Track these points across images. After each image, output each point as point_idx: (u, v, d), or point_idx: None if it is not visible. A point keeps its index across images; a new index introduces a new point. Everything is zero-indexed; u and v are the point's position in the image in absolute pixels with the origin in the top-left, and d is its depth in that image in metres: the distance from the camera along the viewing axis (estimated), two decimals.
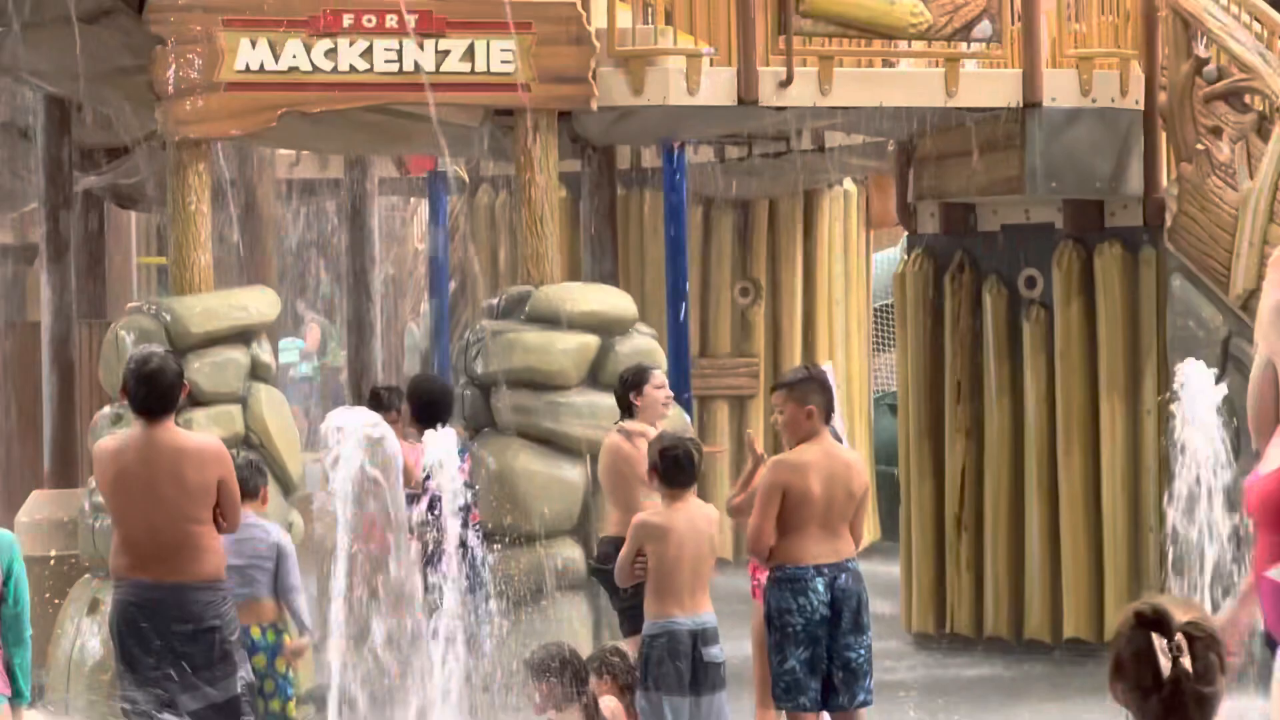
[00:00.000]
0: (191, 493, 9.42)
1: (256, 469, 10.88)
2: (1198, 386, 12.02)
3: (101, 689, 11.88)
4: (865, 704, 10.29)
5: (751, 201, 19.00)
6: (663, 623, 9.86)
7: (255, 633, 10.08)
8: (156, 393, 9.58)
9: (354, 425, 9.71)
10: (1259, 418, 8.14)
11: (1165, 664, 4.93)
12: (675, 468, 9.91)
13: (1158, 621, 5.00)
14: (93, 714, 12.18)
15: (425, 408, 10.48)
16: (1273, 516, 6.72)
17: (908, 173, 16.17)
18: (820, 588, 10.10)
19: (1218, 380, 12.17)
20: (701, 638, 9.84)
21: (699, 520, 9.90)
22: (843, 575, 10.13)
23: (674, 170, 16.82)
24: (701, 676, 9.83)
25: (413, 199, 20.94)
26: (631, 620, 10.44)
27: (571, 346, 13.31)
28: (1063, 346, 15.30)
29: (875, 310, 19.82)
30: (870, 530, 17.98)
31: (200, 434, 10.32)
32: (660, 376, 11.55)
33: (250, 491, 10.40)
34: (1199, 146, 14.66)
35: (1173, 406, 12.16)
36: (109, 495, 9.81)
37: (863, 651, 10.23)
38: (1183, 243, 14.73)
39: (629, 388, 11.46)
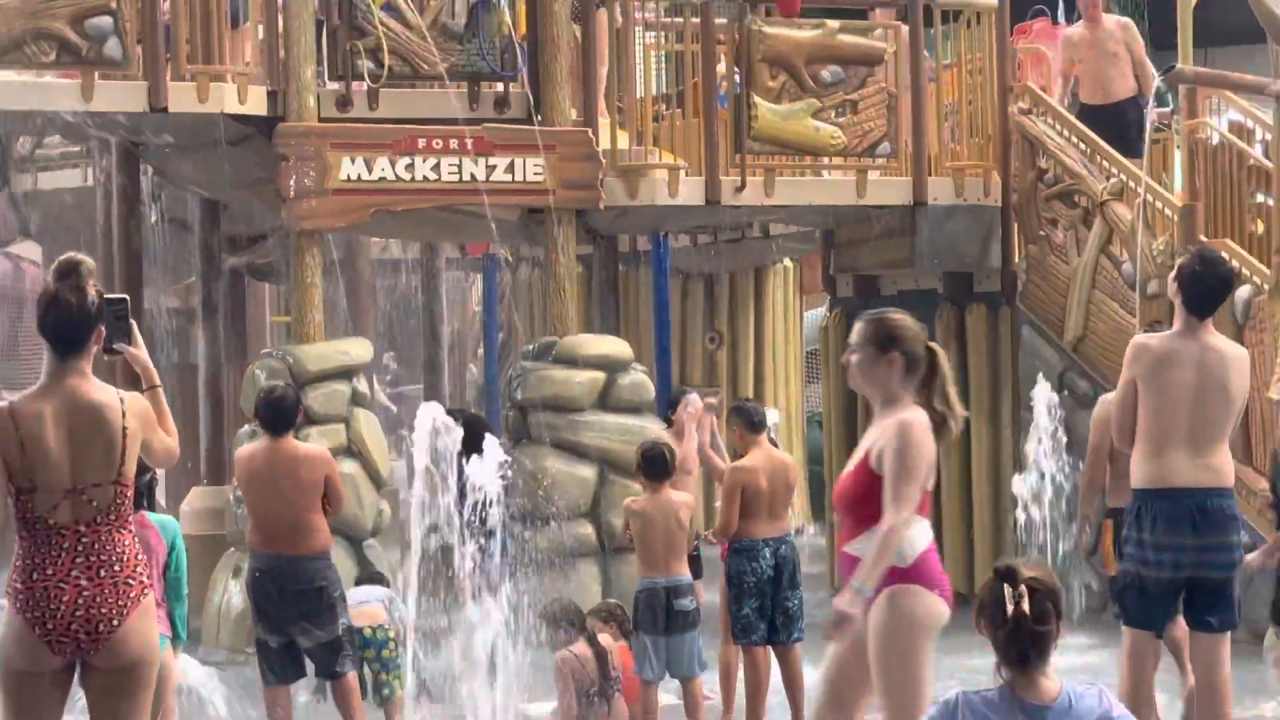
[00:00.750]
0: (304, 488, 9.44)
1: (382, 577, 11.18)
2: (1042, 404, 11.99)
3: (241, 631, 11.86)
4: (799, 640, 10.31)
5: (716, 275, 18.99)
6: (645, 582, 9.91)
7: (367, 633, 9.99)
8: (279, 415, 9.61)
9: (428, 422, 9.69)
10: (1119, 425, 8.20)
11: (1010, 607, 5.05)
12: (652, 466, 9.92)
13: (1008, 575, 5.10)
14: (235, 649, 12.14)
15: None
16: (848, 506, 6.77)
17: (830, 253, 16.09)
18: (767, 555, 10.15)
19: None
20: (674, 592, 9.85)
21: (669, 506, 9.85)
22: (783, 546, 10.21)
23: (660, 252, 16.88)
24: (674, 621, 9.81)
25: (472, 273, 20.89)
26: None
27: (585, 380, 13.24)
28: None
29: (807, 354, 19.71)
30: (803, 513, 17.87)
31: (312, 445, 10.23)
32: (691, 400, 11.50)
33: (383, 582, 10.75)
34: (1041, 233, 14.62)
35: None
36: (244, 490, 9.80)
37: (797, 602, 10.31)
38: (1030, 303, 14.70)
39: (669, 407, 11.62)
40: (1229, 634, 8.13)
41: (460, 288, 21.28)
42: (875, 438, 6.71)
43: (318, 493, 9.45)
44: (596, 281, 15.38)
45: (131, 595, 6.15)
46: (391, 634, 10.11)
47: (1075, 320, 14.18)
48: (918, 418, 6.65)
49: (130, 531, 6.24)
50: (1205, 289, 8.05)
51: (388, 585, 10.77)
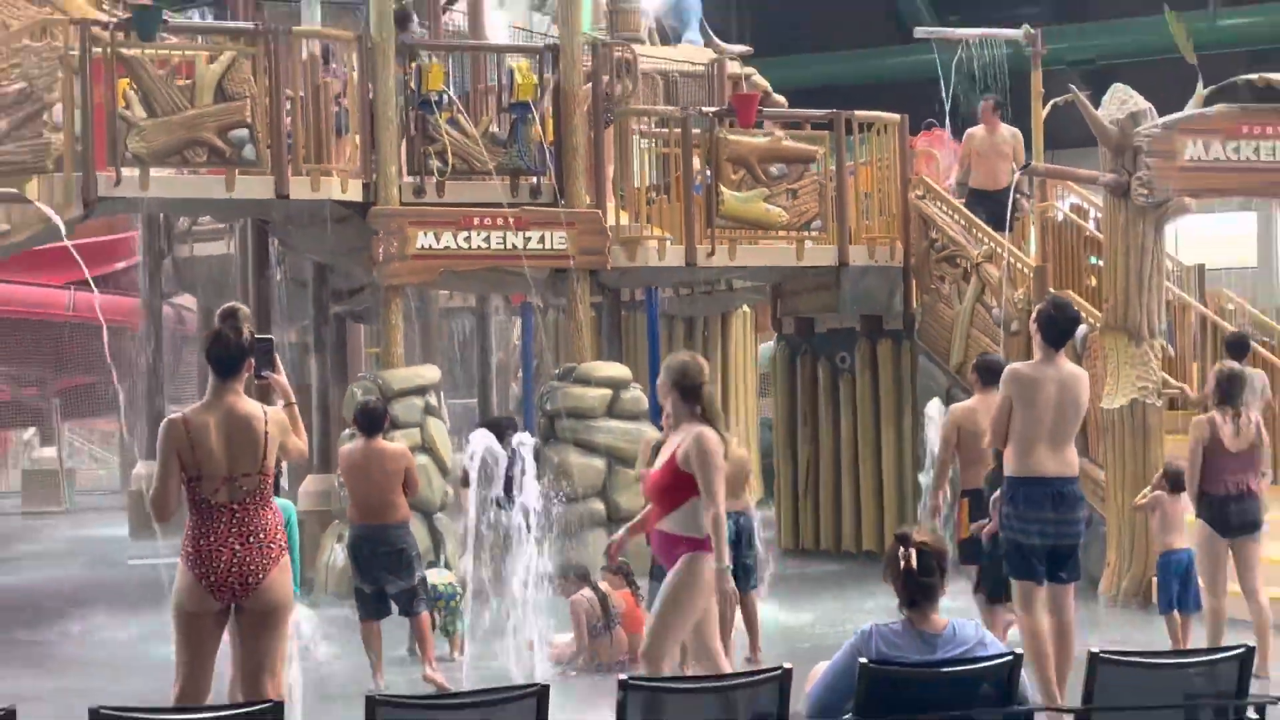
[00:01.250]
0: (390, 476, 9.39)
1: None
2: (935, 412, 12.03)
3: (344, 581, 11.76)
4: (754, 588, 10.16)
5: (694, 318, 18.91)
6: None
7: (440, 587, 10.05)
8: (372, 421, 9.57)
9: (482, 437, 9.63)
10: (995, 430, 8.16)
11: (902, 563, 5.08)
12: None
13: (903, 539, 5.18)
14: (338, 595, 12.07)
15: (491, 427, 10.45)
16: (659, 495, 6.92)
17: (777, 301, 16.00)
18: (730, 525, 10.06)
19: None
20: None
21: None
22: (742, 518, 10.05)
23: (651, 301, 16.88)
24: None
25: (513, 317, 20.78)
26: None
27: (596, 395, 13.20)
28: (860, 395, 15.14)
29: (760, 375, 19.67)
30: (757, 492, 17.78)
31: (396, 443, 10.06)
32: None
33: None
34: (932, 287, 14.60)
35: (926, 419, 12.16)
36: (346, 478, 9.73)
37: (753, 559, 10.13)
38: (925, 339, 14.67)
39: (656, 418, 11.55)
40: (1074, 584, 8.14)
41: (504, 327, 21.11)
42: (677, 443, 6.88)
43: (399, 479, 9.39)
44: (605, 323, 15.31)
45: (272, 556, 6.21)
46: (459, 590, 10.14)
47: (957, 350, 14.16)
48: (708, 431, 6.87)
49: (271, 508, 6.28)
50: (1058, 329, 8.05)
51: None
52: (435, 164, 13.06)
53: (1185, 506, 9.72)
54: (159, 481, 6.21)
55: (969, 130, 15.12)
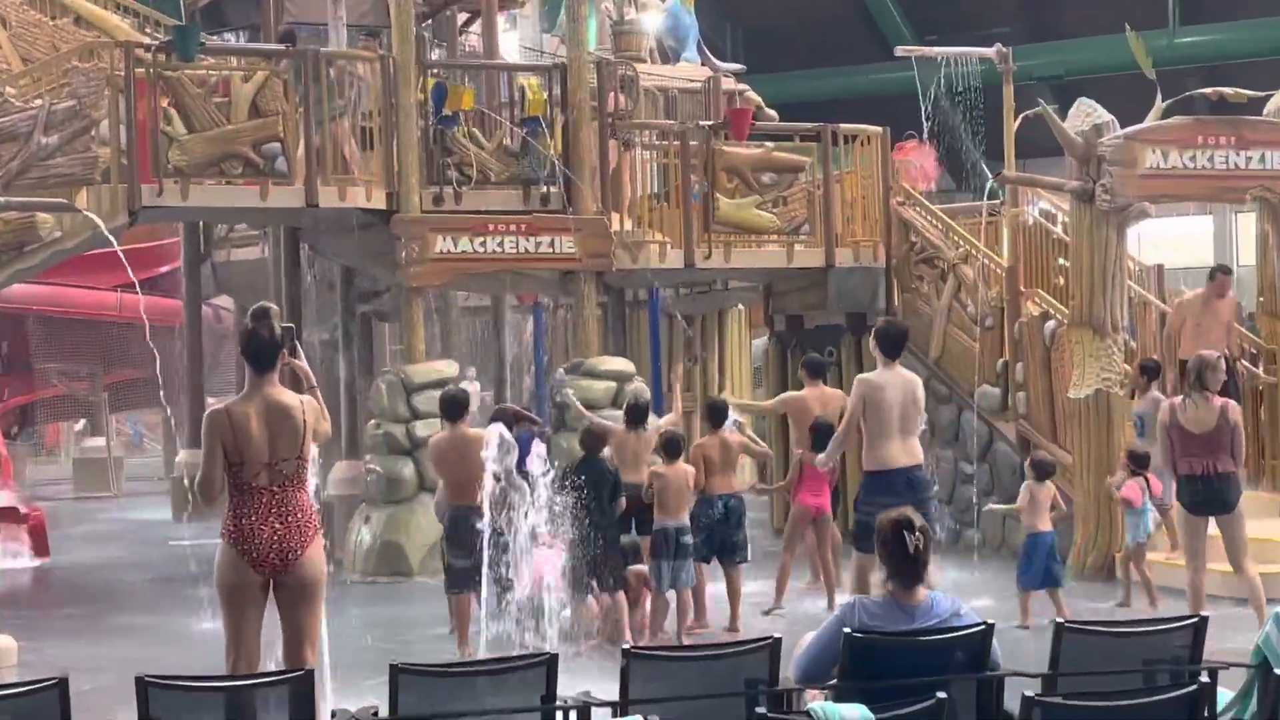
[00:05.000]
0: (477, 457, 9.13)
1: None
2: None
3: (371, 560, 11.64)
4: (740, 563, 10.29)
5: (693, 315, 18.86)
6: (661, 523, 9.78)
7: None
8: (455, 408, 9.46)
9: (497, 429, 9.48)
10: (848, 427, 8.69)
11: (910, 548, 5.10)
12: (672, 446, 9.89)
13: (908, 524, 5.16)
14: (365, 574, 11.98)
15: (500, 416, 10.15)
16: None
17: (769, 300, 15.96)
18: (720, 505, 10.10)
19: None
20: (680, 531, 9.75)
21: (682, 474, 9.81)
22: (733, 499, 10.18)
23: (653, 301, 16.86)
24: (679, 551, 9.71)
25: (526, 315, 20.71)
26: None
27: (601, 387, 13.12)
28: (846, 387, 14.89)
29: (755, 369, 19.62)
30: (750, 473, 17.70)
31: (477, 430, 9.47)
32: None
33: None
34: (912, 286, 14.57)
35: None
36: (437, 465, 9.57)
37: (741, 536, 10.25)
38: None
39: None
40: None
41: (517, 325, 21.09)
42: None
43: (480, 465, 9.01)
44: (610, 320, 15.27)
45: (309, 534, 6.23)
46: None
47: (936, 345, 14.14)
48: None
49: (307, 490, 6.27)
50: (891, 342, 8.65)
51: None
52: (453, 175, 13.05)
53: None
54: (205, 468, 6.21)
55: (1181, 300, 13.06)
